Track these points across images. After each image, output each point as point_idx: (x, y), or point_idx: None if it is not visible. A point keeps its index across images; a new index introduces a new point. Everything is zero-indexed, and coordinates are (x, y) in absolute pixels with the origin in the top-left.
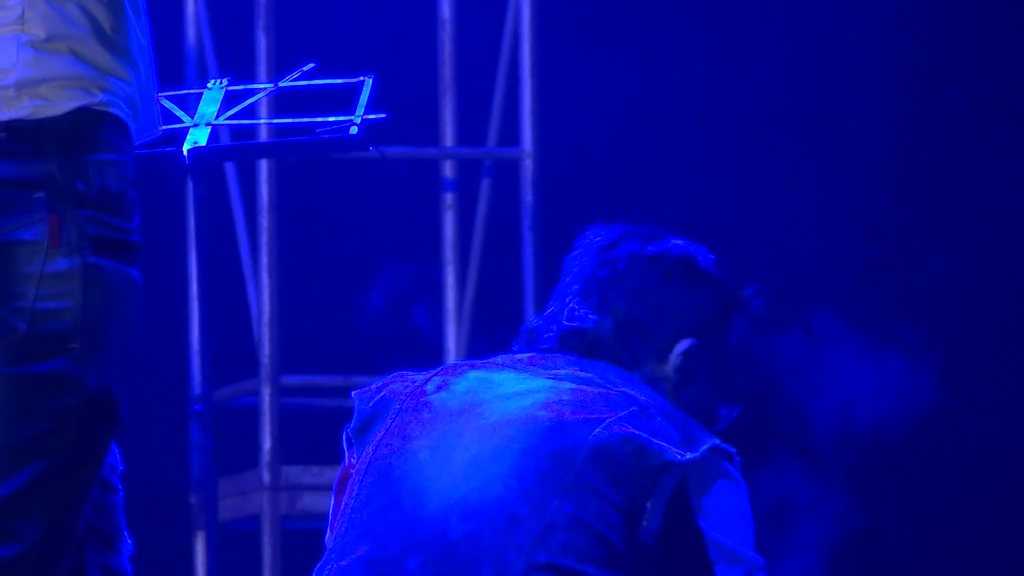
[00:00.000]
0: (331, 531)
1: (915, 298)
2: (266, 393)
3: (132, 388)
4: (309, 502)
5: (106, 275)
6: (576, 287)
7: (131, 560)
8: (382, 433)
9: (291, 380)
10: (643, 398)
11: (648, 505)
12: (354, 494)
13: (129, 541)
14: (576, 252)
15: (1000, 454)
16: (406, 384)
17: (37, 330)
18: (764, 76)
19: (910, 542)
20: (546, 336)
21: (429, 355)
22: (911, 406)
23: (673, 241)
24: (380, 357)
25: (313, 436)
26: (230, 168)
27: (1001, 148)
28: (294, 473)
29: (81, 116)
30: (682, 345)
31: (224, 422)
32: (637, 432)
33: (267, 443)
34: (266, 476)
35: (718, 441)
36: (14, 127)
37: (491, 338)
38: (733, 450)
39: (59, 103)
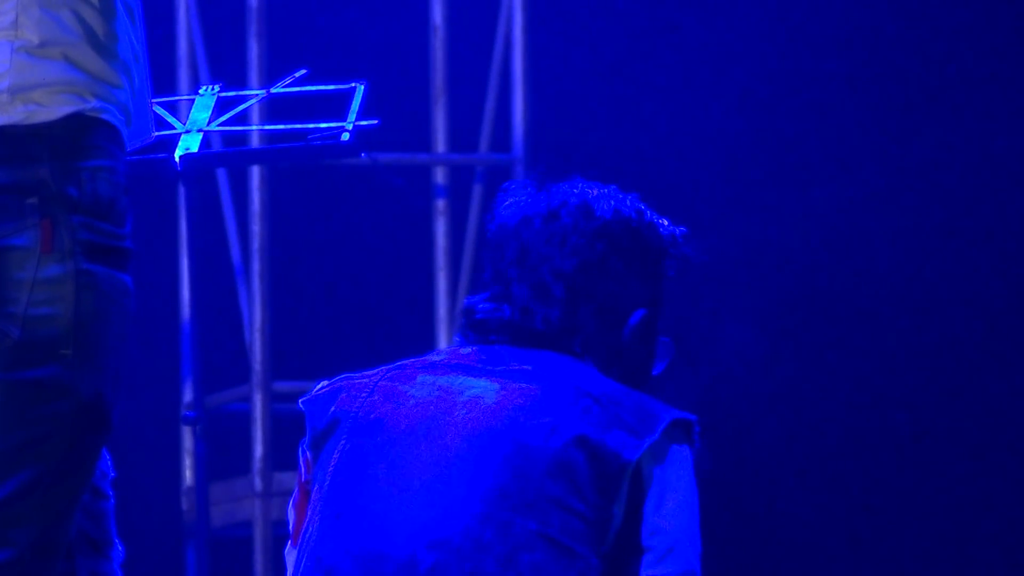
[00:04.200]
0: (294, 565)
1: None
2: (258, 399)
3: (123, 394)
4: None
5: (98, 281)
6: (515, 267)
7: (122, 566)
8: (337, 457)
9: (283, 386)
10: (593, 388)
11: (615, 510)
12: (316, 526)
13: (120, 547)
14: (511, 218)
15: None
16: (354, 395)
17: (30, 336)
18: (756, 83)
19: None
20: (491, 326)
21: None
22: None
23: (614, 208)
24: (371, 363)
25: None
26: (222, 174)
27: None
28: (286, 479)
29: (74, 122)
30: (635, 317)
31: (216, 428)
32: (591, 430)
33: (259, 449)
34: (258, 482)
35: (677, 413)
36: (7, 132)
37: None
38: (694, 418)
39: (52, 108)
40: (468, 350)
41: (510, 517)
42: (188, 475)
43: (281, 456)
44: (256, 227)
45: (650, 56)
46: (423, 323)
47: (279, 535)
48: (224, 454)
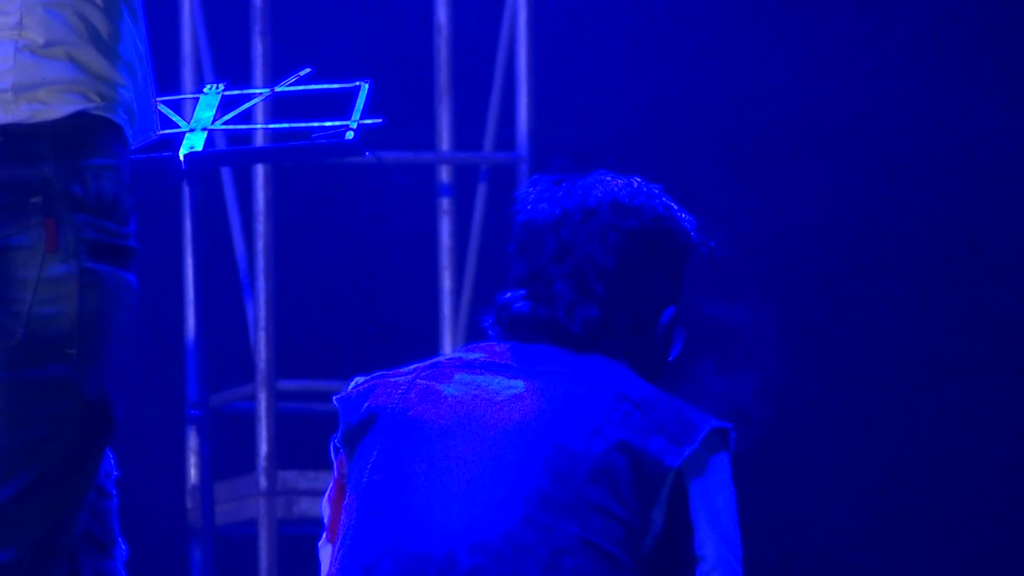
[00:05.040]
0: (331, 562)
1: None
2: (262, 398)
3: (128, 393)
4: (306, 507)
5: (103, 280)
6: (553, 266)
7: (127, 565)
8: (375, 455)
9: (287, 385)
10: (632, 393)
11: (653, 515)
12: (352, 524)
13: (123, 546)
14: (547, 217)
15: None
16: (390, 392)
17: (34, 335)
18: (761, 81)
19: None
20: (529, 324)
21: (425, 360)
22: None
23: (647, 203)
24: (377, 362)
25: (309, 441)
26: (226, 173)
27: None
28: (291, 478)
29: (78, 121)
30: (666, 315)
31: (220, 427)
32: (632, 436)
33: (263, 448)
34: (263, 481)
35: (714, 421)
36: (11, 131)
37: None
38: (729, 425)
39: (56, 107)
40: (503, 348)
41: (551, 521)
42: (193, 474)
43: (286, 455)
44: (260, 226)
45: (654, 54)
46: (427, 321)
47: (284, 533)
48: (229, 453)
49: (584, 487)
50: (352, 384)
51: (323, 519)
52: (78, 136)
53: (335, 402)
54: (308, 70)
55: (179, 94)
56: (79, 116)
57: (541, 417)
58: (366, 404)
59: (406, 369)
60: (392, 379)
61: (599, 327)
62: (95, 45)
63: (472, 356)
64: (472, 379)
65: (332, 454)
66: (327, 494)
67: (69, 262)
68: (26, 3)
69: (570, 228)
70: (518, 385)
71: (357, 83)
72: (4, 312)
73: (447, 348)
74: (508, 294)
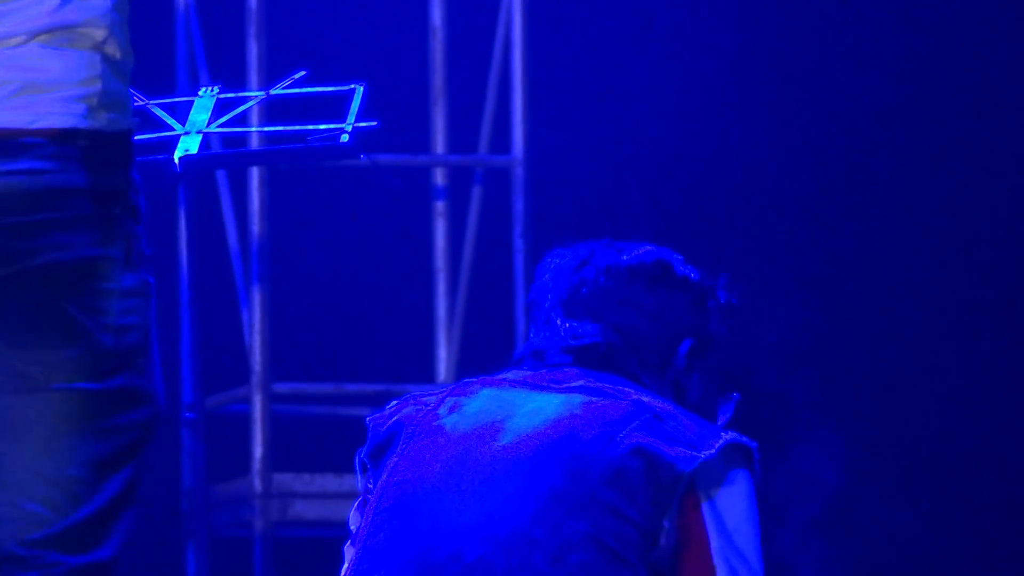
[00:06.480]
0: (347, 559)
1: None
2: (257, 400)
3: None
4: (300, 509)
5: (152, 291)
6: (560, 309)
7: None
8: (396, 459)
9: (282, 387)
10: (656, 404)
11: (665, 523)
12: (369, 520)
13: None
14: (545, 278)
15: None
16: (418, 407)
17: (118, 345)
18: (757, 85)
19: None
20: (553, 353)
21: (420, 363)
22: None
23: (642, 248)
24: (371, 365)
25: (305, 443)
26: (221, 176)
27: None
28: (285, 480)
29: (130, 134)
30: (684, 346)
31: (215, 429)
32: (650, 442)
33: (258, 450)
34: (257, 484)
35: (736, 436)
36: (95, 137)
37: (482, 346)
38: (754, 444)
39: (123, 119)
40: (532, 370)
41: (562, 518)
42: (188, 476)
43: (281, 457)
44: (256, 228)
45: (649, 57)
46: (422, 324)
47: (278, 536)
48: (224, 455)
49: (598, 488)
50: (388, 406)
51: (349, 526)
52: (133, 148)
53: (366, 422)
54: (303, 73)
55: (174, 97)
56: (130, 130)
57: (561, 425)
58: (393, 419)
59: (438, 388)
60: (422, 397)
61: (624, 353)
62: (127, 63)
63: (501, 376)
64: (498, 393)
65: (357, 467)
66: (355, 506)
67: (138, 273)
68: (113, 20)
69: (562, 280)
70: (544, 398)
71: (352, 86)
72: (95, 322)
73: (442, 351)
74: (518, 348)
